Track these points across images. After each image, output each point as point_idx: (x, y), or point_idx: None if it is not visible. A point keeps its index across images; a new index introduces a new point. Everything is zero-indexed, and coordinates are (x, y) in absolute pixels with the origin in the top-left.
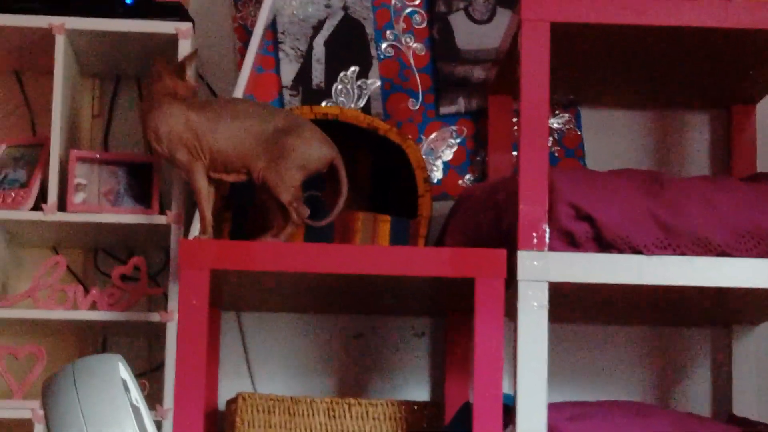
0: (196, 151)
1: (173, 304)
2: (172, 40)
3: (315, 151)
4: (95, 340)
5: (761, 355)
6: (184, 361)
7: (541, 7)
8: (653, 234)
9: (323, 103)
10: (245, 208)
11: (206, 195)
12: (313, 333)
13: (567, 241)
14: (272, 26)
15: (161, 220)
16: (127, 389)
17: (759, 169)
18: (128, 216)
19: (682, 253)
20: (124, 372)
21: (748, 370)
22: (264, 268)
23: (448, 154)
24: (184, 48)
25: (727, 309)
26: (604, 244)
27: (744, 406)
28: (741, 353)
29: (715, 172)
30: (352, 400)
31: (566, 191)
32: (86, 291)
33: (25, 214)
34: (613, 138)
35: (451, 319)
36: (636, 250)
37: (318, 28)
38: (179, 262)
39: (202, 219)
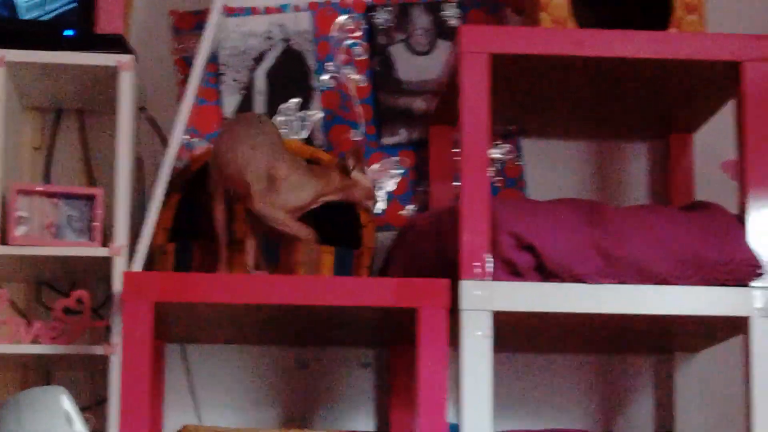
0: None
1: (117, 336)
2: (114, 73)
3: None
4: (39, 374)
5: (703, 382)
6: (128, 394)
7: (480, 39)
8: (595, 263)
9: None
10: (189, 241)
11: None
12: (258, 364)
13: (510, 270)
14: (213, 58)
15: (104, 252)
16: (70, 421)
17: (697, 198)
18: (70, 248)
19: (624, 282)
20: (67, 404)
21: (689, 397)
22: (207, 300)
23: (390, 185)
24: (125, 80)
25: (669, 336)
26: (546, 273)
27: None
28: (683, 380)
29: (654, 201)
30: (298, 431)
31: (508, 221)
32: (29, 325)
33: None
34: (554, 168)
35: (396, 349)
36: (578, 279)
37: (259, 60)
38: (122, 295)
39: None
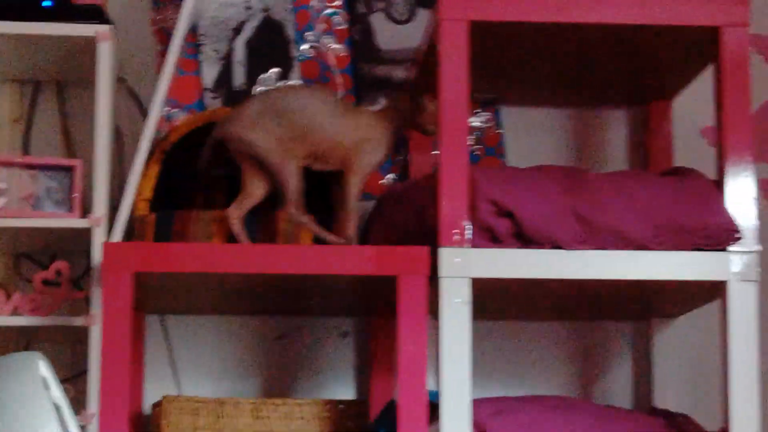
0: None
1: (96, 307)
2: (92, 44)
3: None
4: (18, 346)
5: (680, 347)
6: (107, 365)
7: (459, 6)
8: (573, 229)
9: None
10: (169, 211)
11: None
12: (237, 334)
13: (488, 237)
14: (192, 29)
15: (83, 223)
16: (47, 387)
17: (676, 164)
18: (49, 220)
19: (602, 248)
20: (44, 369)
21: (667, 363)
22: (187, 270)
23: None
24: (104, 51)
25: (646, 302)
26: (525, 239)
27: (664, 398)
28: (660, 346)
29: (633, 168)
30: (278, 401)
31: (486, 188)
32: (8, 296)
33: None
34: (533, 136)
35: (376, 318)
36: (556, 245)
37: (238, 30)
38: (102, 266)
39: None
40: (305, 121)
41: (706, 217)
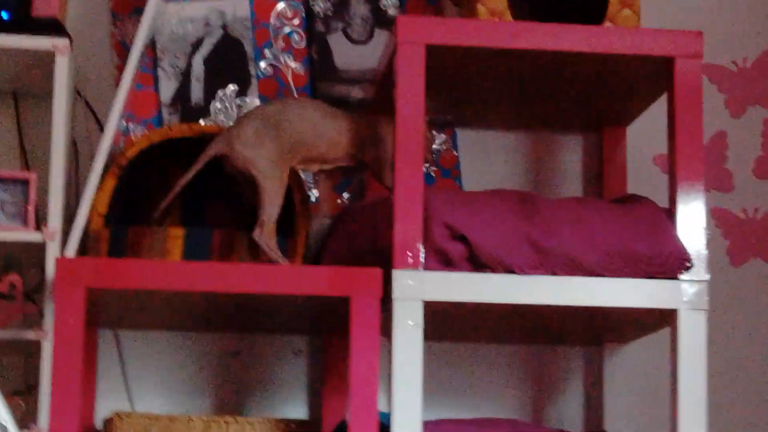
0: None
1: (49, 322)
2: (50, 57)
3: None
4: None
5: (632, 373)
6: (59, 379)
7: (416, 30)
8: (526, 254)
9: (202, 122)
10: (123, 226)
11: None
12: (191, 351)
13: (442, 260)
14: (151, 43)
15: (37, 237)
16: None
17: (629, 190)
18: (3, 233)
19: (554, 273)
20: None
21: (619, 388)
22: (140, 287)
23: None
24: (62, 64)
25: (599, 328)
26: (478, 263)
27: (615, 423)
28: (612, 371)
29: (587, 193)
30: (230, 419)
31: (441, 211)
32: None
33: None
34: (489, 159)
35: (329, 337)
36: (509, 270)
37: (197, 46)
38: (54, 281)
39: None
40: (303, 127)
41: (658, 246)
